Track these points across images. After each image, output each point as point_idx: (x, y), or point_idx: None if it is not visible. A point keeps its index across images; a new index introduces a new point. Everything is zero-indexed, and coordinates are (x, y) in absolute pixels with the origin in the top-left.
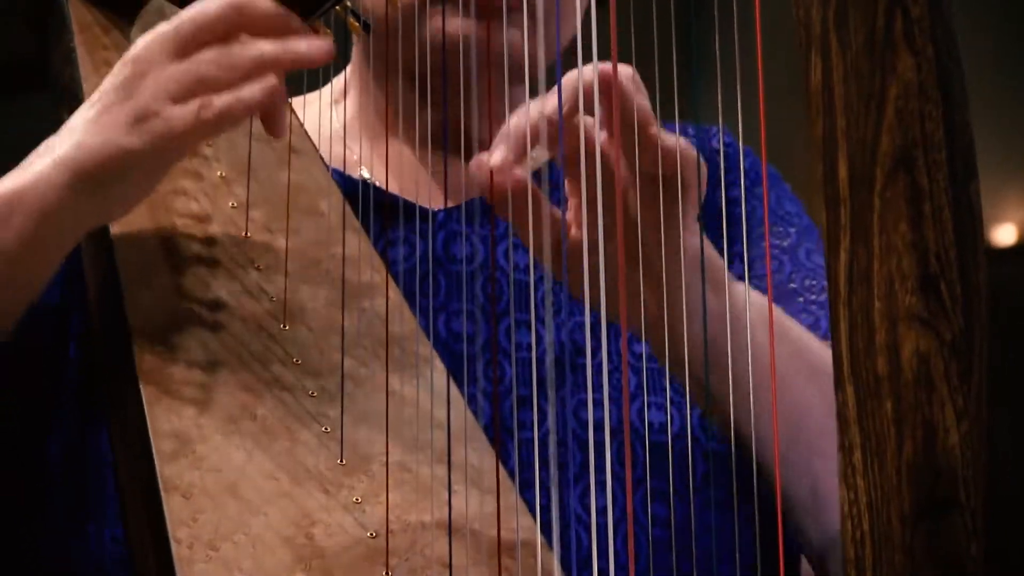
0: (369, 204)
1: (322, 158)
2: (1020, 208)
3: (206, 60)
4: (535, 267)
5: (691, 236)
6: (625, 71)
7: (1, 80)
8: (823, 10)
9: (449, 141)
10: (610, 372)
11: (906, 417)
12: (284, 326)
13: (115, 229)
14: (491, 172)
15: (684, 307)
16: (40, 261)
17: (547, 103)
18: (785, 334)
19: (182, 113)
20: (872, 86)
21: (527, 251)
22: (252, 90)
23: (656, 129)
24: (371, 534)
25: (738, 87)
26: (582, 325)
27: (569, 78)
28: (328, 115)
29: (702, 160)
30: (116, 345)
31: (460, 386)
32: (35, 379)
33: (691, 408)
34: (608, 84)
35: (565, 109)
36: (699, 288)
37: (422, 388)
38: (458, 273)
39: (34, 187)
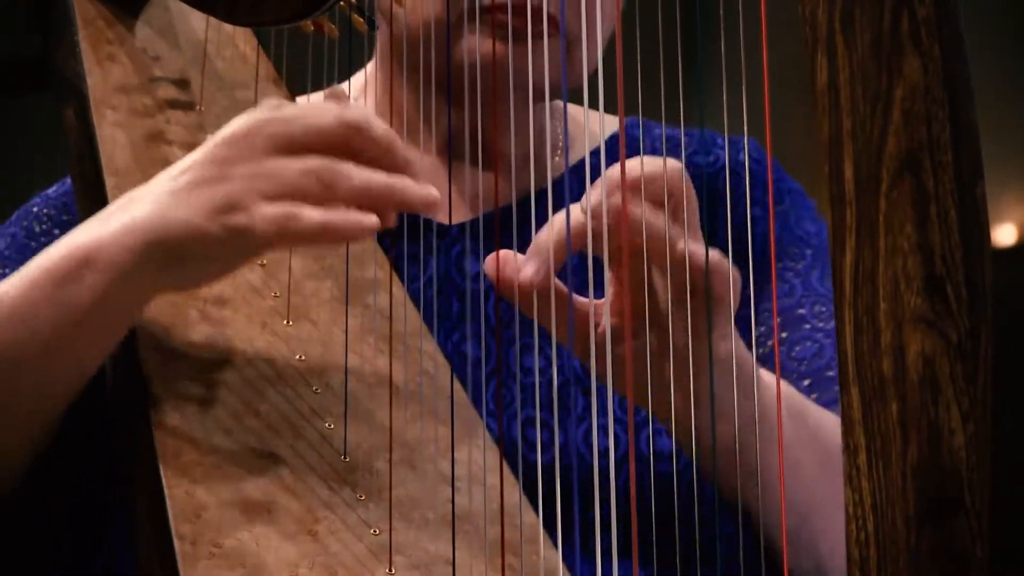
0: None
1: None
2: (1020, 208)
3: (308, 170)
4: None
5: (722, 341)
6: (673, 170)
7: (3, 80)
8: (829, 10)
9: (466, 152)
10: (621, 400)
11: (911, 419)
12: (288, 322)
13: None
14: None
15: (712, 410)
16: (109, 322)
17: (591, 198)
18: (803, 420)
19: (267, 215)
20: (878, 87)
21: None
22: (347, 222)
23: (684, 245)
24: (374, 531)
25: (743, 87)
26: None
27: (610, 173)
28: None
29: (735, 272)
30: (119, 344)
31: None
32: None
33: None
34: (647, 183)
35: (607, 202)
36: (728, 391)
37: (425, 384)
38: (471, 292)
39: (109, 247)
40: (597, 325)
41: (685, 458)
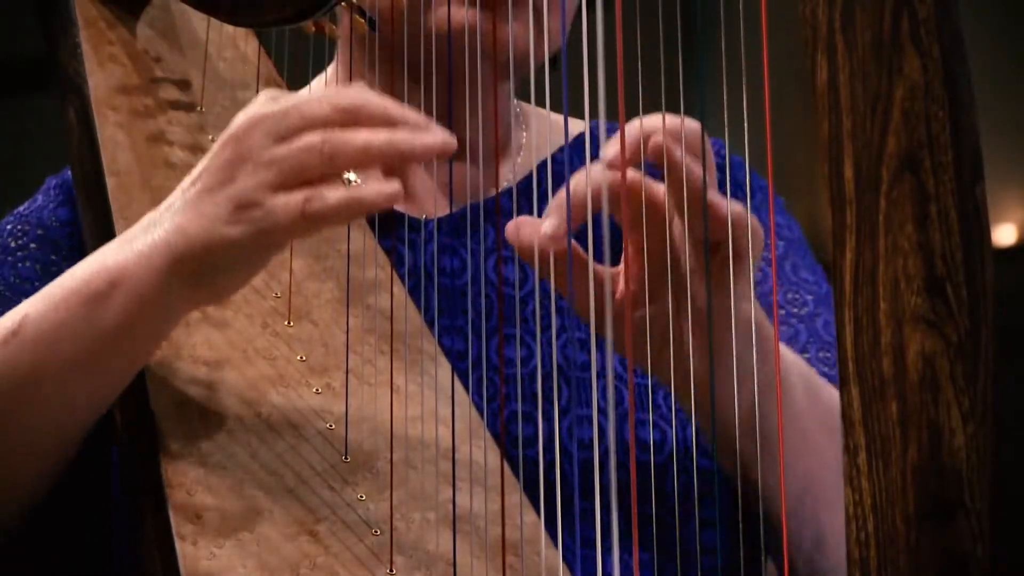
0: None
1: None
2: (1020, 208)
3: (307, 146)
4: (524, 282)
5: (742, 302)
6: (691, 129)
7: (4, 79)
8: (829, 10)
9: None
10: (602, 389)
11: (911, 419)
12: (289, 323)
13: (121, 227)
14: (525, 239)
15: (735, 372)
16: (136, 344)
17: (607, 158)
18: (816, 393)
19: (285, 204)
20: (878, 87)
21: (515, 264)
22: (371, 190)
23: (713, 196)
24: (375, 531)
25: (743, 87)
26: (571, 340)
27: (630, 130)
28: None
29: (759, 226)
30: None
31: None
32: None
33: (683, 426)
34: (665, 145)
35: (625, 166)
36: (747, 354)
37: (426, 385)
38: (448, 287)
39: (135, 268)
40: (614, 292)
41: (668, 449)
